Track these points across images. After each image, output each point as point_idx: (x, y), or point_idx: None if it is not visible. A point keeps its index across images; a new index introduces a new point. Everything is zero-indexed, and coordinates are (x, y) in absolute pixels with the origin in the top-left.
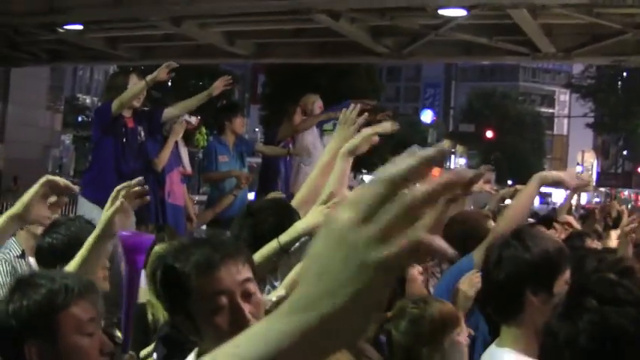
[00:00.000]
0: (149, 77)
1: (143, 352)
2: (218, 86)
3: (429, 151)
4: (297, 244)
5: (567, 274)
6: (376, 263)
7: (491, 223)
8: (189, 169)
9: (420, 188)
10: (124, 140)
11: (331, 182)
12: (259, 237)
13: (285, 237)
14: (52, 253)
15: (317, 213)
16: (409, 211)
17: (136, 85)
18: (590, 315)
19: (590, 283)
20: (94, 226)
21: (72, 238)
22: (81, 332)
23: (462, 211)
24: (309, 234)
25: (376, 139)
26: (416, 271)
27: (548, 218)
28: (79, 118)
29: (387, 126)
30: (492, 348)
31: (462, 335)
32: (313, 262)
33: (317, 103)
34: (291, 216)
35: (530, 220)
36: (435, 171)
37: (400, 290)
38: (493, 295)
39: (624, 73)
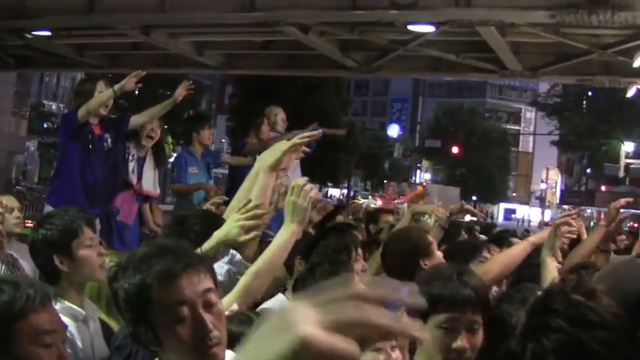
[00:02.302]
0: (117, 86)
1: None
2: (181, 92)
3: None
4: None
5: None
6: (304, 337)
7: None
8: (155, 191)
9: (378, 318)
10: (90, 147)
11: (254, 194)
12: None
13: (206, 245)
14: (46, 246)
15: (232, 221)
16: (360, 325)
17: (103, 92)
18: (558, 335)
19: (555, 303)
20: (87, 215)
21: (66, 228)
22: (37, 343)
23: (403, 226)
24: (226, 242)
25: (302, 149)
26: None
27: (501, 237)
28: (45, 125)
29: (312, 133)
30: None
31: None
32: (254, 339)
33: (279, 116)
34: (218, 225)
35: (483, 236)
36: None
37: None
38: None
39: (589, 93)
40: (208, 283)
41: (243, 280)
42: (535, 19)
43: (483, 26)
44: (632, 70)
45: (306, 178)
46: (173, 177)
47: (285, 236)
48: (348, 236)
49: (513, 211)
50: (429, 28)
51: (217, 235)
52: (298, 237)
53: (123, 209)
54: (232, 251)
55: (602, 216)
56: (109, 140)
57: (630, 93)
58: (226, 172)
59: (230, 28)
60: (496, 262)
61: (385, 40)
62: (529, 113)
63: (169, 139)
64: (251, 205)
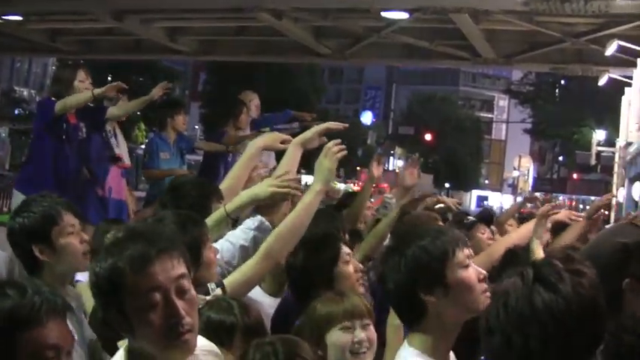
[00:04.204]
0: (97, 90)
1: None
2: (157, 92)
3: None
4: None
5: (462, 255)
6: None
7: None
8: (128, 162)
9: None
10: (64, 137)
11: (282, 165)
12: (183, 210)
13: (231, 205)
14: (25, 235)
15: (264, 185)
16: None
17: (82, 94)
18: (520, 286)
19: (539, 261)
20: (68, 201)
21: (45, 215)
22: (37, 357)
23: (412, 213)
24: (254, 203)
25: (324, 139)
26: (351, 268)
27: (487, 216)
28: (16, 111)
29: (337, 124)
30: (404, 347)
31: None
32: None
33: (254, 102)
34: (214, 191)
35: (471, 218)
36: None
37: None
38: (393, 306)
39: (562, 81)
40: (182, 269)
41: (265, 244)
42: (509, 7)
43: (457, 13)
44: (605, 59)
45: (338, 140)
46: (145, 162)
47: (311, 195)
48: (336, 219)
49: (485, 199)
50: (403, 15)
51: (246, 194)
52: (323, 196)
53: (114, 186)
54: (260, 218)
55: (574, 204)
56: (84, 130)
57: (602, 81)
58: (199, 158)
59: (203, 14)
60: (501, 246)
61: (359, 27)
62: (502, 101)
63: (142, 126)
64: (282, 172)
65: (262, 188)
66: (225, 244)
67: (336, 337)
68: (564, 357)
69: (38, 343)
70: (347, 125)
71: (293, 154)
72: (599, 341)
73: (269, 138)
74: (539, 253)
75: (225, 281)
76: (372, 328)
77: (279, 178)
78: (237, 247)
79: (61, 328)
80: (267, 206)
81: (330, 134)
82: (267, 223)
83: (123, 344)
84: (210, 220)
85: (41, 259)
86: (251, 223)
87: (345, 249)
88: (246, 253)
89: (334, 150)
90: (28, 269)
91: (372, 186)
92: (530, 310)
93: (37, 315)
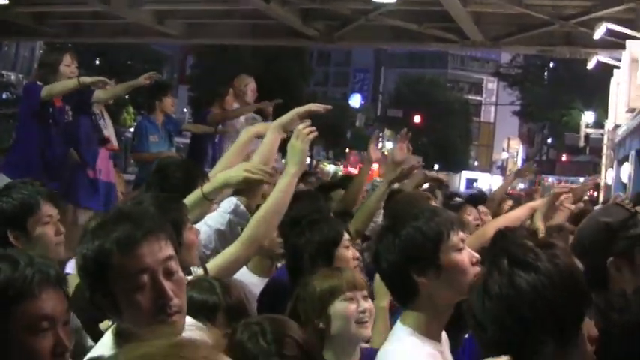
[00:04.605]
0: (83, 79)
1: None
2: (144, 79)
3: None
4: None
5: (456, 237)
6: None
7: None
8: (116, 144)
9: None
10: (51, 121)
11: (260, 151)
12: (168, 192)
13: (207, 187)
14: (1, 218)
15: (239, 169)
16: None
17: (69, 81)
18: (498, 274)
19: (509, 243)
20: (49, 191)
21: (23, 203)
22: (31, 328)
23: (405, 192)
24: (227, 186)
25: (307, 120)
26: (350, 253)
27: (478, 197)
28: (4, 95)
29: (318, 106)
30: (397, 325)
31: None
32: None
33: (250, 86)
34: (199, 172)
35: (458, 199)
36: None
37: None
38: (387, 285)
39: (551, 64)
40: (169, 250)
41: (248, 229)
42: None
43: None
44: (593, 42)
45: (305, 124)
46: (134, 145)
47: (287, 178)
48: (318, 201)
49: (475, 180)
50: None
51: (221, 177)
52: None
53: (104, 169)
54: (236, 201)
55: (562, 185)
56: (70, 113)
57: (591, 64)
58: (188, 141)
59: None
60: (494, 226)
61: (347, 10)
62: (491, 84)
63: (130, 109)
64: (260, 156)
65: (236, 172)
66: (203, 227)
67: (341, 307)
68: (558, 332)
69: (33, 314)
70: (329, 107)
71: (271, 139)
72: (585, 311)
73: (262, 126)
74: (541, 227)
75: (208, 265)
76: (369, 299)
77: (253, 165)
78: (213, 230)
79: (55, 298)
80: (245, 190)
81: (319, 117)
82: (242, 207)
83: (106, 326)
84: (187, 201)
85: (15, 245)
86: (227, 206)
87: (347, 235)
88: (223, 236)
89: (305, 132)
90: None
91: (370, 169)
92: (516, 294)
93: (29, 287)
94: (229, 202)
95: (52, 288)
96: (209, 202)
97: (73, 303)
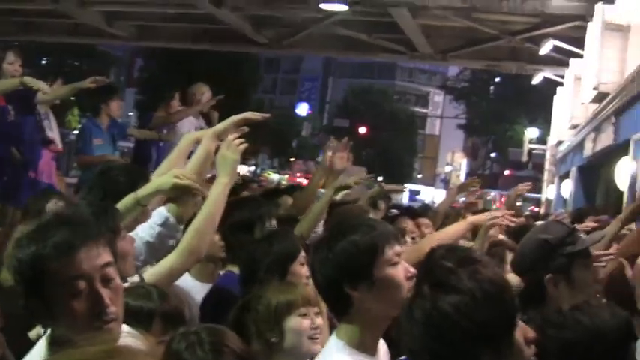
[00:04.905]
0: (25, 80)
1: None
2: (90, 83)
3: None
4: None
5: (391, 252)
6: None
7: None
8: (60, 146)
9: None
10: None
11: (194, 158)
12: (111, 195)
13: (142, 191)
14: None
15: (170, 175)
16: None
17: (9, 80)
18: (422, 301)
19: (429, 267)
20: None
21: None
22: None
23: (344, 206)
24: (158, 193)
25: (244, 128)
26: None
27: (418, 209)
28: None
29: (255, 114)
30: (332, 338)
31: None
32: None
33: (206, 94)
34: (143, 176)
35: (394, 211)
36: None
37: None
38: (322, 297)
39: (497, 79)
40: (107, 257)
41: (184, 241)
42: (447, 3)
43: (396, 7)
44: (539, 58)
45: (235, 135)
46: (78, 148)
47: (218, 188)
48: (262, 206)
49: (418, 193)
50: (342, 7)
51: (153, 182)
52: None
53: (46, 170)
54: (166, 214)
55: (504, 199)
56: (12, 112)
57: (536, 80)
58: (132, 145)
59: None
60: (433, 240)
61: (298, 18)
62: (437, 97)
63: (75, 111)
64: (193, 165)
65: (166, 179)
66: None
67: (295, 322)
68: (491, 343)
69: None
70: (268, 115)
71: (205, 146)
72: (515, 317)
73: (202, 133)
74: (481, 245)
75: (145, 274)
76: (320, 316)
77: (182, 172)
78: (143, 241)
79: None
80: (177, 198)
81: (264, 125)
82: (172, 219)
83: (36, 335)
84: (121, 206)
85: None
86: (157, 218)
87: (303, 252)
88: (152, 248)
89: (236, 142)
90: None
91: (322, 175)
92: (441, 318)
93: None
94: (159, 215)
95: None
96: (142, 207)
97: (3, 308)
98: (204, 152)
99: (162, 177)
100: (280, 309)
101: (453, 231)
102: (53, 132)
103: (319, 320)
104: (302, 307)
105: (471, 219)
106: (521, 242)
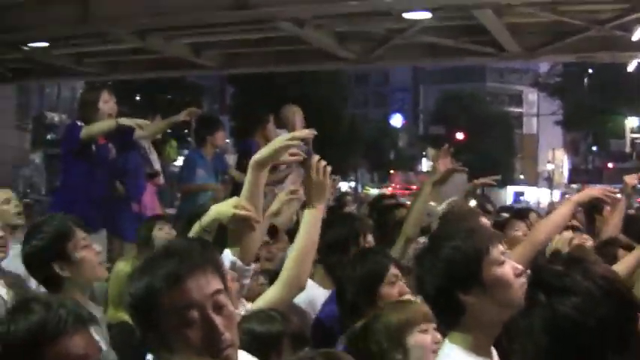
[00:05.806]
0: (121, 121)
1: None
2: (185, 116)
3: None
4: None
5: (496, 252)
6: None
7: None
8: (162, 179)
9: None
10: (94, 160)
11: (243, 191)
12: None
13: (205, 218)
14: (42, 255)
15: (229, 204)
16: None
17: (106, 122)
18: (540, 309)
19: (540, 275)
20: (74, 217)
21: (58, 232)
22: None
23: (454, 211)
24: (218, 220)
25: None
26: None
27: (524, 211)
28: (48, 136)
29: (306, 132)
30: (446, 343)
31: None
32: None
33: (297, 115)
34: None
35: (505, 214)
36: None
37: None
38: (433, 309)
39: (590, 70)
40: (217, 284)
41: (284, 271)
42: None
43: (479, 9)
44: (632, 44)
45: (318, 157)
46: (182, 177)
47: (310, 216)
48: (355, 222)
49: (522, 194)
50: (425, 15)
51: (214, 208)
52: (322, 214)
53: (149, 203)
54: (232, 257)
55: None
56: (113, 151)
57: (631, 67)
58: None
59: (224, 27)
60: (540, 229)
61: (382, 30)
62: (531, 95)
63: (173, 143)
64: (243, 198)
65: (226, 209)
66: None
67: (419, 338)
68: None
69: (66, 355)
70: (314, 131)
71: (252, 177)
72: (633, 309)
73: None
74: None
75: (251, 307)
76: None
77: (241, 202)
78: None
79: (87, 339)
80: (235, 239)
81: (361, 140)
82: (239, 262)
83: None
84: (192, 234)
85: (62, 276)
86: (226, 262)
87: (394, 270)
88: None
89: (322, 165)
90: (50, 289)
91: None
92: (565, 322)
93: (63, 328)
94: (226, 259)
95: (85, 329)
96: (208, 233)
97: (113, 342)
98: (252, 184)
99: (222, 205)
100: (402, 327)
101: (558, 215)
102: (157, 165)
103: (439, 335)
104: (422, 324)
105: (574, 198)
106: None
